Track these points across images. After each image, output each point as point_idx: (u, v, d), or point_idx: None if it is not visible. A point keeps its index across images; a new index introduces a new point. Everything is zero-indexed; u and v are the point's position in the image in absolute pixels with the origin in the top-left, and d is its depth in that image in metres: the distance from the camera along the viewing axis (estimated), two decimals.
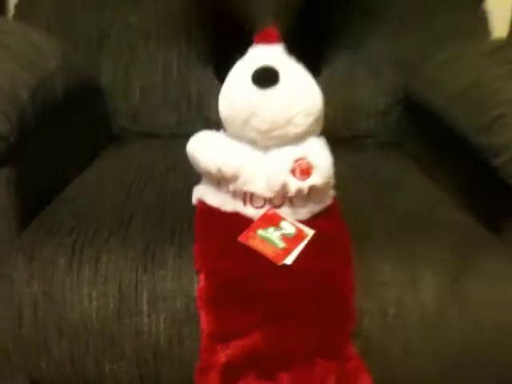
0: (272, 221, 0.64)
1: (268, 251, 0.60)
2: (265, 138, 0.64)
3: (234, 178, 0.64)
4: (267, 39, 0.65)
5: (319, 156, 0.63)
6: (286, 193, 0.63)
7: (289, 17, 0.71)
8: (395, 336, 0.61)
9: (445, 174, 0.89)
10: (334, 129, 1.08)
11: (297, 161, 0.62)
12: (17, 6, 1.12)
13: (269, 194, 0.64)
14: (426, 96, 0.94)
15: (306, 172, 0.62)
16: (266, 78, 0.61)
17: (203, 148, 0.66)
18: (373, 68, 1.09)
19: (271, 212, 0.65)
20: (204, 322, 0.58)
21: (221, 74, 0.69)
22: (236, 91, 0.64)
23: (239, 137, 0.66)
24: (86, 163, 0.92)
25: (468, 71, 0.82)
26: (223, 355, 0.57)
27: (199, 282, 0.59)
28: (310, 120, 0.63)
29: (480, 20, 1.16)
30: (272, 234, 0.62)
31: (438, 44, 1.10)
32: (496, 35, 1.34)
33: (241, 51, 0.68)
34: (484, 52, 0.84)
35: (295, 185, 0.62)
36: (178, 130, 1.05)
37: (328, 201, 0.69)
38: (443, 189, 0.86)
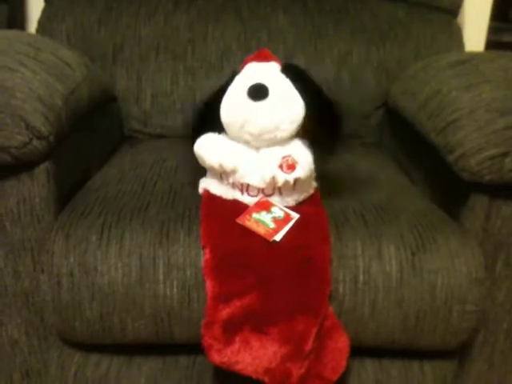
0: (264, 206, 0.75)
1: (261, 230, 0.72)
2: (257, 140, 0.74)
3: (232, 172, 0.75)
4: (261, 58, 0.77)
5: (302, 154, 0.74)
6: (276, 184, 0.74)
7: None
8: (364, 299, 0.72)
9: (415, 169, 1.02)
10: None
11: (283, 158, 0.73)
12: (39, 21, 1.21)
13: (261, 185, 0.75)
14: (400, 103, 1.05)
15: (291, 167, 0.73)
16: (258, 92, 0.72)
17: (208, 147, 0.76)
18: (357, 76, 1.20)
19: (264, 199, 0.77)
20: (209, 287, 0.69)
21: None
22: (234, 102, 0.74)
23: (237, 139, 0.76)
24: (104, 160, 1.03)
25: (432, 82, 0.93)
26: (224, 313, 0.68)
27: (205, 255, 0.70)
28: (293, 126, 0.74)
29: (454, 34, 1.28)
30: (264, 216, 0.74)
31: (415, 55, 1.22)
32: (473, 47, 1.46)
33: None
34: (446, 65, 0.95)
35: (283, 177, 0.73)
36: (184, 131, 1.14)
37: (311, 190, 0.80)
38: (413, 181, 0.98)
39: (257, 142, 0.75)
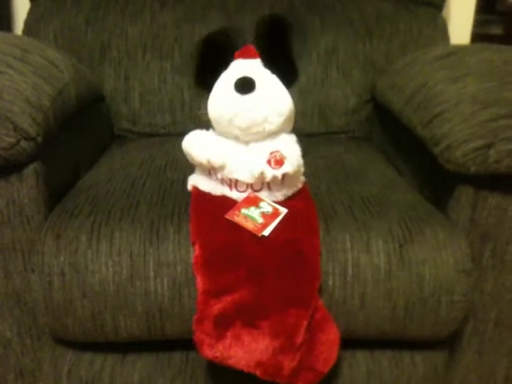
0: (253, 202, 0.76)
1: (250, 225, 0.72)
2: (245, 134, 0.75)
3: (221, 168, 0.76)
4: (246, 54, 0.77)
5: (290, 149, 0.75)
6: (264, 179, 0.74)
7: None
8: (354, 291, 0.73)
9: (403, 162, 1.03)
10: (311, 125, 1.21)
11: (272, 153, 0.73)
12: (26, 22, 1.21)
13: (250, 181, 0.76)
14: (388, 96, 1.06)
15: (279, 162, 0.73)
16: (245, 86, 0.73)
17: (196, 144, 0.76)
18: (344, 71, 1.21)
19: (252, 195, 0.77)
20: (199, 282, 0.70)
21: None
22: (222, 97, 0.75)
23: (225, 134, 0.77)
24: (94, 160, 1.04)
25: (418, 75, 0.94)
26: (215, 308, 0.68)
27: (195, 252, 0.71)
28: (281, 120, 0.75)
29: (439, 27, 1.28)
30: (253, 212, 0.74)
31: (401, 50, 1.23)
32: (459, 40, 1.47)
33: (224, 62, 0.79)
34: (432, 58, 0.96)
35: (271, 173, 0.73)
36: (173, 129, 1.16)
37: (299, 185, 0.81)
38: (401, 174, 0.99)
39: (245, 136, 0.76)
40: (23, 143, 0.72)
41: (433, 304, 0.75)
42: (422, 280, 0.74)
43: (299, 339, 0.69)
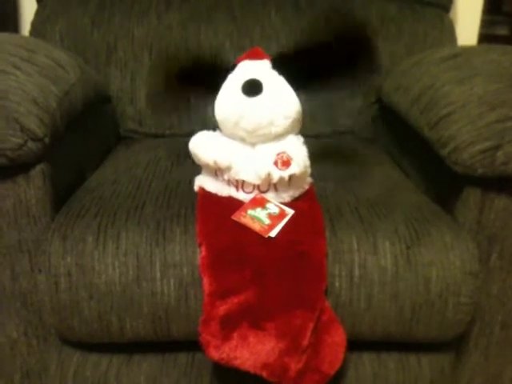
0: (259, 203, 0.76)
1: (256, 226, 0.72)
2: (252, 136, 0.75)
3: (227, 169, 0.76)
4: (254, 56, 0.77)
5: (297, 150, 0.75)
6: (271, 180, 0.74)
7: None
8: (360, 293, 0.73)
9: (409, 164, 1.02)
10: (317, 125, 1.21)
11: (278, 154, 0.73)
12: (32, 24, 1.22)
13: (257, 182, 0.75)
14: (394, 98, 1.06)
15: (286, 163, 0.73)
16: (252, 88, 0.73)
17: (202, 145, 0.77)
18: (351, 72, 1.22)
19: (259, 196, 0.77)
20: (205, 284, 0.70)
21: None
22: (228, 99, 0.75)
23: (231, 135, 0.77)
24: (99, 161, 1.04)
25: (424, 77, 0.94)
26: (222, 310, 0.68)
27: (201, 253, 0.71)
28: (288, 122, 0.75)
29: (446, 28, 1.28)
30: (259, 213, 0.74)
31: (407, 51, 1.23)
32: (466, 41, 1.47)
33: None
34: (438, 60, 0.96)
35: (277, 174, 0.73)
36: (179, 130, 1.17)
37: (306, 186, 0.81)
38: (407, 175, 0.99)
39: (252, 138, 0.76)
40: (30, 144, 0.72)
41: (439, 306, 0.75)
42: (429, 282, 0.74)
43: (305, 341, 0.69)
